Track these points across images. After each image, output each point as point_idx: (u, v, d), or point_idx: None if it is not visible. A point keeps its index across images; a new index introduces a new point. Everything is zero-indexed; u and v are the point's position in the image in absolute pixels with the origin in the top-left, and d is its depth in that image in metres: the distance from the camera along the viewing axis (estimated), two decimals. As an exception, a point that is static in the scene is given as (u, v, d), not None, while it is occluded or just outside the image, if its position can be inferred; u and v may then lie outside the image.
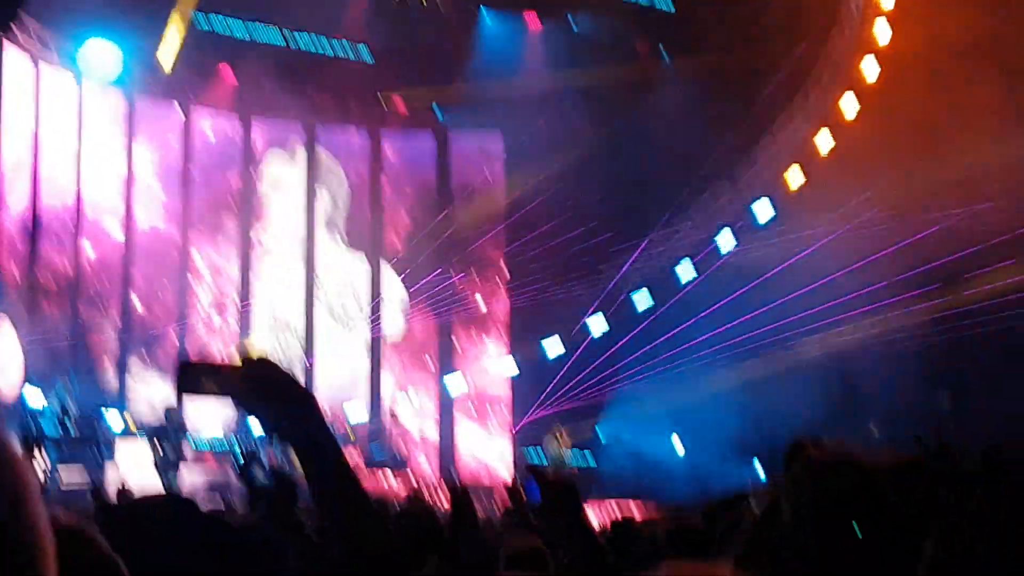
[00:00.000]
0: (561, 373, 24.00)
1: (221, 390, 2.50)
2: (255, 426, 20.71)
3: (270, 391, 2.46)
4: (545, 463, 20.23)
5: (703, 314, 21.87)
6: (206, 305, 24.45)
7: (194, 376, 2.52)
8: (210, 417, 21.07)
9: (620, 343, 23.56)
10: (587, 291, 24.56)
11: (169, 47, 22.97)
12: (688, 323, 22.32)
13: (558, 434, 20.88)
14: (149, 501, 3.02)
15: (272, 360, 2.52)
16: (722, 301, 21.64)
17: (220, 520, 3.07)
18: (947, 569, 1.68)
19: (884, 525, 2.41)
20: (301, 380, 2.52)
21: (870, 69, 21.14)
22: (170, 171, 24.14)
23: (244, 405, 2.50)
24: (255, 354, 2.53)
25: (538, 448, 21.81)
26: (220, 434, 21.43)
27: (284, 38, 24.00)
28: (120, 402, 21.89)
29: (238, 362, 2.52)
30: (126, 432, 20.28)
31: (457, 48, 24.21)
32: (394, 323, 25.73)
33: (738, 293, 21.48)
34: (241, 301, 24.62)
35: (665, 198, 23.30)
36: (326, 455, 2.49)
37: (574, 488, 3.66)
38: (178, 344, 23.23)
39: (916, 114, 19.10)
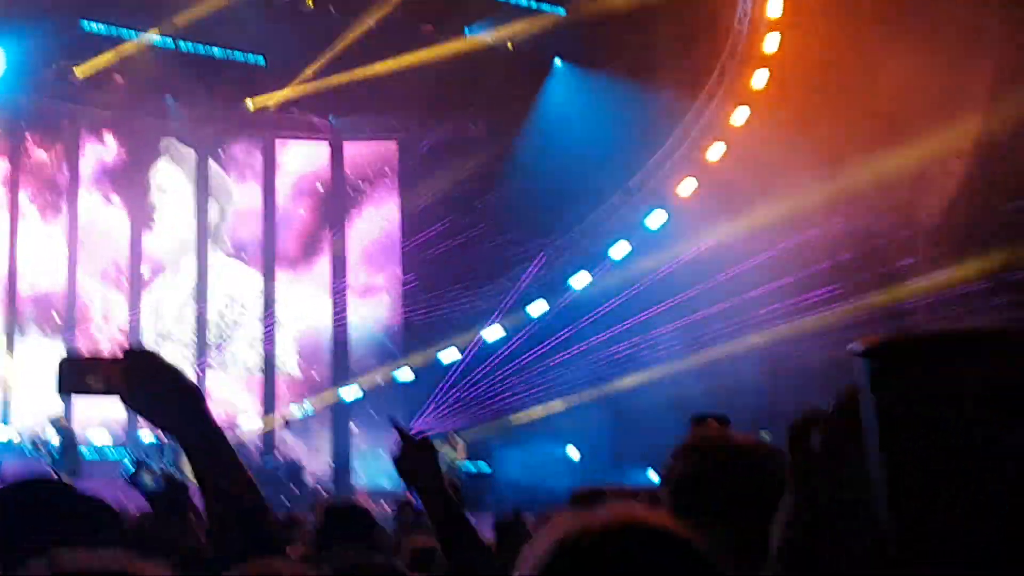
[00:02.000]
0: (451, 380, 24.04)
1: (105, 386, 2.41)
2: (144, 431, 20.44)
3: (155, 383, 2.39)
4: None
5: (591, 320, 22.13)
6: (97, 315, 24.05)
7: (76, 371, 2.43)
8: (97, 422, 20.72)
9: (515, 350, 23.64)
10: (483, 300, 24.63)
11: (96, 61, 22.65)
12: (579, 329, 22.55)
13: (452, 441, 20.86)
14: (22, 484, 2.80)
15: (155, 352, 2.46)
16: (608, 307, 21.94)
17: (102, 502, 2.95)
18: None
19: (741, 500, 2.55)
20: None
21: (759, 78, 21.49)
22: (55, 181, 23.72)
23: (129, 400, 2.41)
24: (138, 347, 2.46)
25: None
26: (109, 440, 21.08)
27: (175, 43, 23.60)
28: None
29: (120, 355, 2.43)
30: (9, 445, 19.86)
31: (351, 54, 24.09)
32: (288, 332, 25.55)
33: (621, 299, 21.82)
34: (130, 311, 24.25)
35: (561, 208, 23.43)
36: (216, 449, 2.43)
37: (429, 443, 3.64)
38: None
39: (805, 121, 19.48)
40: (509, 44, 23.94)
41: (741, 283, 20.64)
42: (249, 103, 25.00)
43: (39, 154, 23.81)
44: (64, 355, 2.50)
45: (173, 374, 2.43)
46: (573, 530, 1.48)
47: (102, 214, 24.33)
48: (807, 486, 1.70)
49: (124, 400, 2.42)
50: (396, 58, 23.54)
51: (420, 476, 3.60)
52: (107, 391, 2.43)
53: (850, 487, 1.59)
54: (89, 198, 24.14)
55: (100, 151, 24.50)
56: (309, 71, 23.99)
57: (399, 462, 3.64)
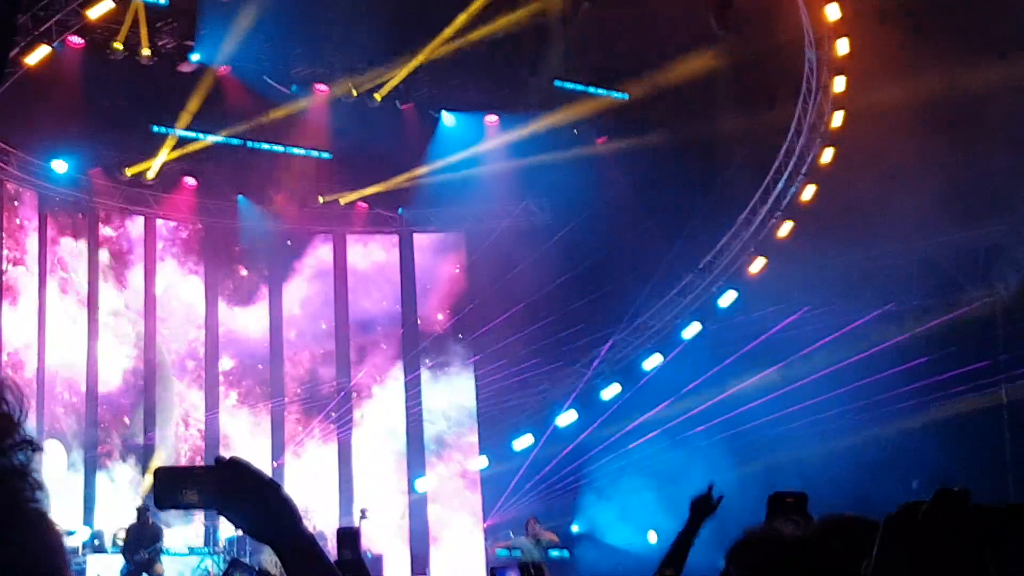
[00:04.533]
0: (524, 466, 23.95)
1: (200, 498, 2.45)
2: (225, 530, 20.52)
3: (250, 495, 2.42)
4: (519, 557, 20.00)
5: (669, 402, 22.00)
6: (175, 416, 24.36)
7: (171, 483, 2.46)
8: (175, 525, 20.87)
9: (589, 435, 23.53)
10: (555, 385, 24.61)
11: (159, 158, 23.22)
12: (654, 412, 22.40)
13: (533, 529, 20.57)
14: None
15: (248, 462, 2.49)
16: (689, 387, 21.80)
17: None
18: None
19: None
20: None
21: (826, 155, 21.45)
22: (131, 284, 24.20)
23: (223, 509, 2.45)
24: (227, 456, 2.51)
25: (512, 547, 21.60)
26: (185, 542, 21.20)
27: (243, 142, 24.02)
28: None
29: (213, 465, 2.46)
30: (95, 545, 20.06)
31: (417, 149, 24.41)
32: (363, 424, 25.65)
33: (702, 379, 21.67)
34: (208, 411, 24.50)
35: (629, 290, 23.42)
36: (307, 553, 2.46)
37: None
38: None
39: (871, 197, 19.44)
40: (574, 130, 24.14)
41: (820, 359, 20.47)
42: (320, 198, 25.38)
43: (113, 260, 24.25)
44: (159, 466, 2.54)
45: (267, 485, 2.47)
46: None
47: (176, 318, 24.71)
48: None
49: (221, 512, 2.45)
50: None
51: None
52: (204, 505, 2.47)
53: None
54: (162, 304, 24.50)
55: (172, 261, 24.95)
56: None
57: None
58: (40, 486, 1.10)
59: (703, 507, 5.20)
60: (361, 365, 25.85)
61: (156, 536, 18.71)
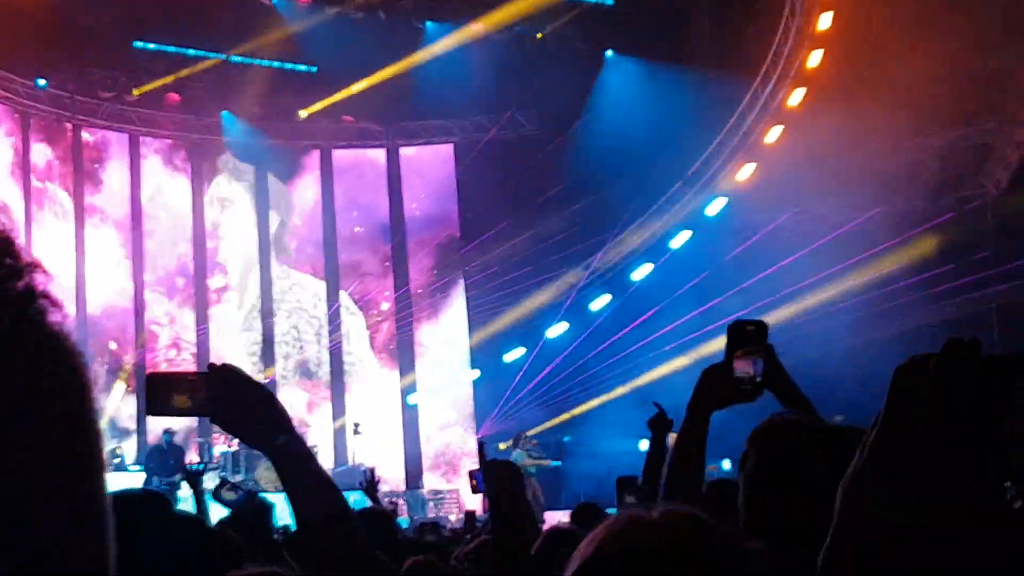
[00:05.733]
0: (517, 378, 24.07)
1: (193, 406, 2.43)
2: (218, 446, 20.64)
3: (241, 399, 2.42)
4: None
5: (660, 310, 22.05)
6: (165, 339, 24.35)
7: (162, 390, 2.44)
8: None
9: (580, 346, 23.61)
10: (546, 297, 24.65)
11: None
12: (647, 320, 22.45)
13: (523, 442, 20.73)
14: (122, 495, 2.88)
15: (238, 367, 2.49)
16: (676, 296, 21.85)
17: (194, 518, 3.01)
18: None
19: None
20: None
21: (814, 58, 21.26)
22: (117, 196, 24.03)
23: (217, 419, 2.45)
24: (221, 363, 2.49)
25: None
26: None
27: (227, 57, 23.85)
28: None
29: (203, 371, 2.46)
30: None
31: (405, 62, 24.17)
32: (352, 339, 25.69)
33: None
34: (198, 327, 24.48)
35: (619, 201, 23.36)
36: (301, 459, 2.48)
37: (511, 464, 3.99)
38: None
39: (861, 100, 19.29)
40: (539, 35, 23.90)
41: (805, 267, 20.45)
42: (302, 112, 25.17)
43: (99, 172, 24.07)
44: (151, 372, 2.53)
45: (257, 389, 2.47)
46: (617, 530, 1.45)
47: (164, 230, 24.57)
48: (893, 431, 1.64)
49: (213, 420, 2.45)
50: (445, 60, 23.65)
51: (499, 493, 3.92)
52: (195, 412, 2.46)
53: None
54: (149, 216, 24.35)
55: (158, 170, 24.73)
56: (362, 82, 24.09)
57: (482, 479, 4.02)
58: (57, 304, 1.04)
59: (660, 426, 5.23)
60: (350, 280, 25.82)
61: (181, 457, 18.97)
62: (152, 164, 24.62)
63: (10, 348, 0.94)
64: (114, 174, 24.15)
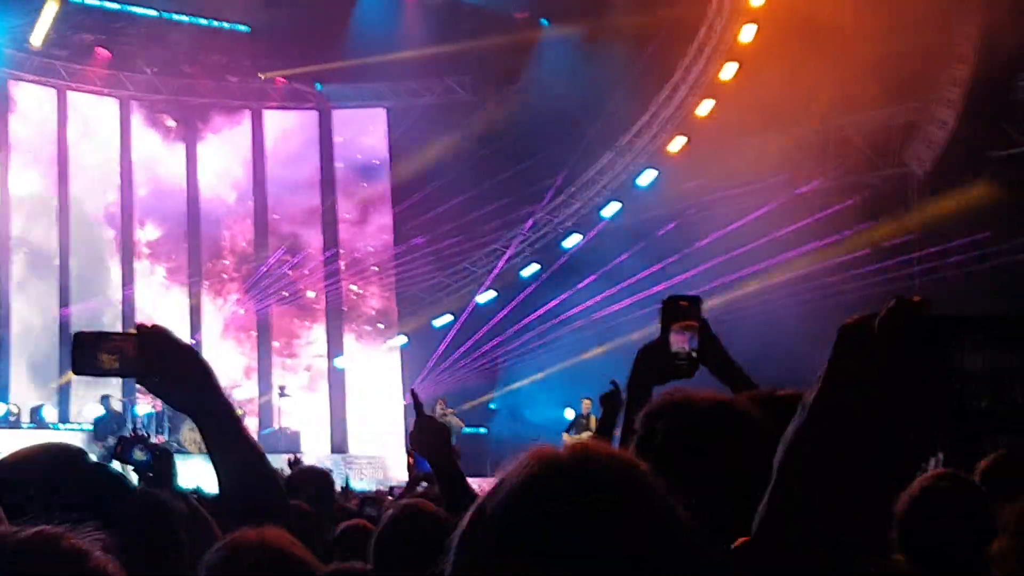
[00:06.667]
0: (444, 344, 24.10)
1: (121, 366, 2.41)
2: (141, 405, 20.45)
3: (171, 362, 2.41)
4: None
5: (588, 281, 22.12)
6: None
7: (90, 348, 2.42)
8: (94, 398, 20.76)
9: (508, 314, 23.66)
10: (476, 265, 24.67)
11: (42, 22, 22.46)
12: (573, 291, 22.54)
13: (442, 408, 20.70)
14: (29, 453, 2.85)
15: (169, 329, 2.47)
16: (606, 268, 21.91)
17: (108, 468, 2.97)
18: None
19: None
20: None
21: (746, 33, 21.33)
22: (45, 156, 23.65)
23: (145, 380, 2.44)
24: (152, 325, 2.47)
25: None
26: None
27: (159, 13, 23.52)
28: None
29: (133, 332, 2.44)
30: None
31: (337, 22, 23.96)
32: (281, 301, 25.55)
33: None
34: (124, 287, 24.23)
35: (550, 169, 23.39)
36: (228, 424, 2.48)
37: (441, 426, 4.23)
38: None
39: (793, 74, 19.42)
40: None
41: (739, 238, 20.60)
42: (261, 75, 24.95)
43: (28, 122, 23.64)
44: (78, 330, 2.49)
45: (187, 352, 2.47)
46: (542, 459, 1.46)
47: (83, 186, 24.21)
48: (839, 391, 1.67)
49: (140, 380, 2.45)
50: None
51: (433, 450, 4.11)
52: (123, 371, 2.45)
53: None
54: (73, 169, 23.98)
55: (83, 123, 24.35)
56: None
57: (415, 436, 4.14)
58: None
59: (613, 402, 5.18)
60: (281, 242, 25.63)
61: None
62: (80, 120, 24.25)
63: None
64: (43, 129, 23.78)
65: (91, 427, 19.74)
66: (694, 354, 3.17)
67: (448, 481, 4.07)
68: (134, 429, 18.38)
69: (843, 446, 1.65)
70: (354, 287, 25.87)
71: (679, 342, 3.16)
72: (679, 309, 3.18)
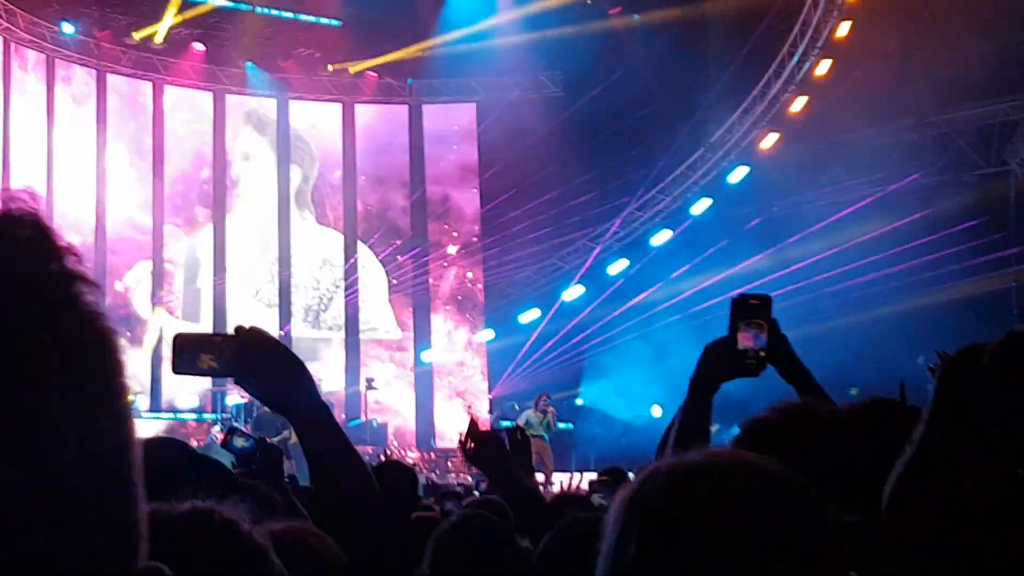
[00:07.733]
0: (531, 339, 24.08)
1: (220, 367, 2.46)
2: (231, 395, 20.70)
3: (268, 363, 2.45)
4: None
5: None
6: (182, 285, 24.41)
7: (190, 350, 2.47)
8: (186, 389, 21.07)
9: (597, 310, 23.56)
10: (563, 260, 24.64)
11: (164, 22, 22.94)
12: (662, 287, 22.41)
13: (544, 402, 20.50)
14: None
15: (265, 330, 2.52)
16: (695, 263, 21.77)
17: (216, 461, 3.06)
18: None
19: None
20: None
21: (842, 28, 21.04)
22: (141, 147, 24.04)
23: (240, 377, 2.48)
24: (247, 324, 2.51)
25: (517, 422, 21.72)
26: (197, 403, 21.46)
27: (252, 8, 23.86)
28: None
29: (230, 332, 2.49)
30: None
31: (429, 18, 24.07)
32: (370, 296, 25.71)
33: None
34: (216, 276, 24.53)
35: (640, 165, 23.28)
36: (324, 424, 2.52)
37: (498, 439, 4.27)
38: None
39: (889, 73, 19.13)
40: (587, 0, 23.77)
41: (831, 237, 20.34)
42: (329, 67, 25.13)
43: (125, 118, 24.07)
44: (178, 332, 2.55)
45: (284, 353, 2.50)
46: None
47: (186, 182, 24.59)
48: (946, 424, 1.60)
49: (238, 381, 2.50)
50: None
51: (488, 462, 4.13)
52: (222, 373, 2.50)
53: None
54: (172, 165, 24.35)
55: (181, 119, 24.71)
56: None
57: (468, 452, 4.18)
58: (93, 285, 1.04)
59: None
60: (369, 235, 25.81)
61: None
62: (172, 112, 24.62)
63: (48, 328, 0.95)
64: (138, 122, 24.16)
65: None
66: (762, 353, 3.17)
67: (507, 491, 4.07)
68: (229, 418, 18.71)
69: (954, 482, 1.58)
70: (443, 281, 25.95)
71: (747, 340, 3.15)
72: (749, 307, 3.17)
